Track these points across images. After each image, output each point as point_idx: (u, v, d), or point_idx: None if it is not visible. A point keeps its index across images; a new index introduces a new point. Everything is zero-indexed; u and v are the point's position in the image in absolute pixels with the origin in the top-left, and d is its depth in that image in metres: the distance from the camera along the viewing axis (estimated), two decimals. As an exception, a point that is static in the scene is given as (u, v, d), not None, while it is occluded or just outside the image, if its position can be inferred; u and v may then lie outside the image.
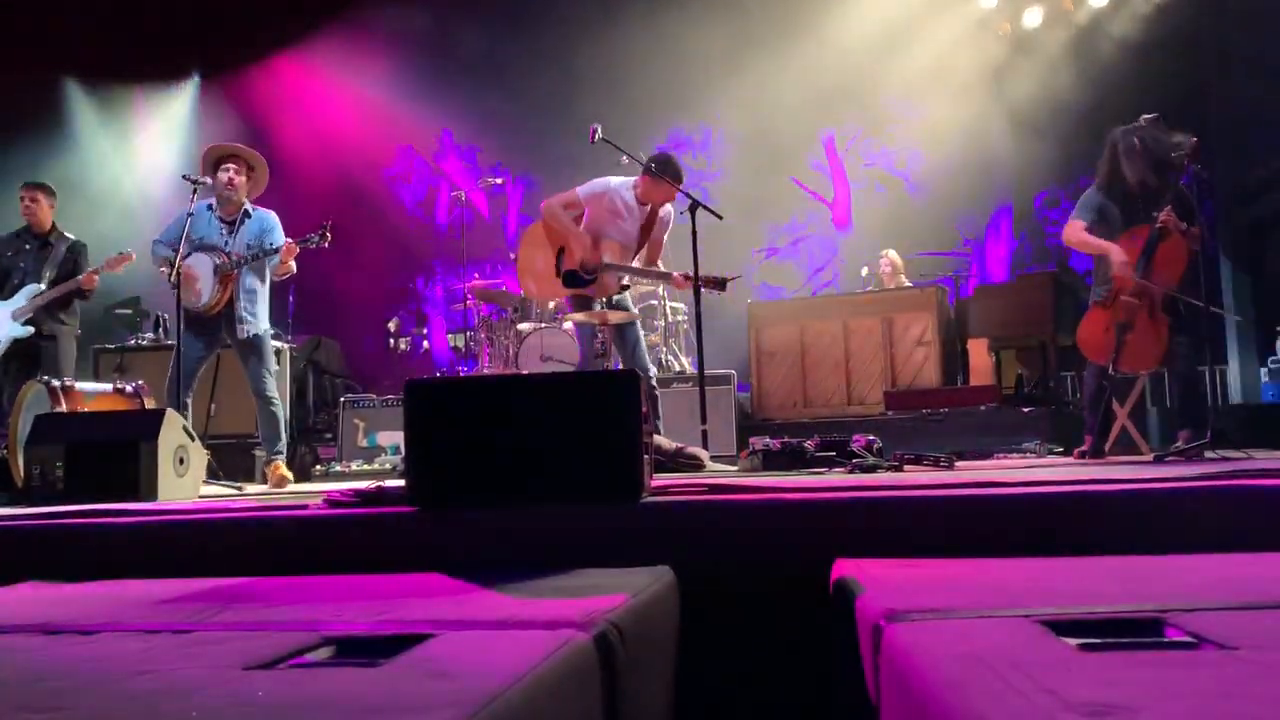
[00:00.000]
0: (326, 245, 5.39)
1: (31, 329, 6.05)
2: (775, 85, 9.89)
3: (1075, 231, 5.14)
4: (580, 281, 5.40)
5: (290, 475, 5.51)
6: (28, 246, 6.27)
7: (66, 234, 6.40)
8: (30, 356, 6.09)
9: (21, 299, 6.05)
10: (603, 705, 1.29)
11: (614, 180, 5.49)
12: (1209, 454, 4.33)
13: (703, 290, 5.11)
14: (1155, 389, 5.68)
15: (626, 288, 5.56)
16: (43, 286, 6.09)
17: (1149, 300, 4.75)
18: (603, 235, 5.39)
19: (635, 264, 5.47)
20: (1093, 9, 9.26)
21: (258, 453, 6.66)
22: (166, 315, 7.75)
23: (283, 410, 5.64)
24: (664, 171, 5.23)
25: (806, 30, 9.68)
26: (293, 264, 5.53)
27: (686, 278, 5.15)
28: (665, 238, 5.55)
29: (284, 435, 5.59)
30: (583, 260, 5.38)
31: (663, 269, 5.51)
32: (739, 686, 2.09)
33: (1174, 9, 8.88)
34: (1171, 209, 4.73)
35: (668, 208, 5.49)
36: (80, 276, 6.09)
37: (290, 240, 5.37)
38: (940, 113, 9.50)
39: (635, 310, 5.64)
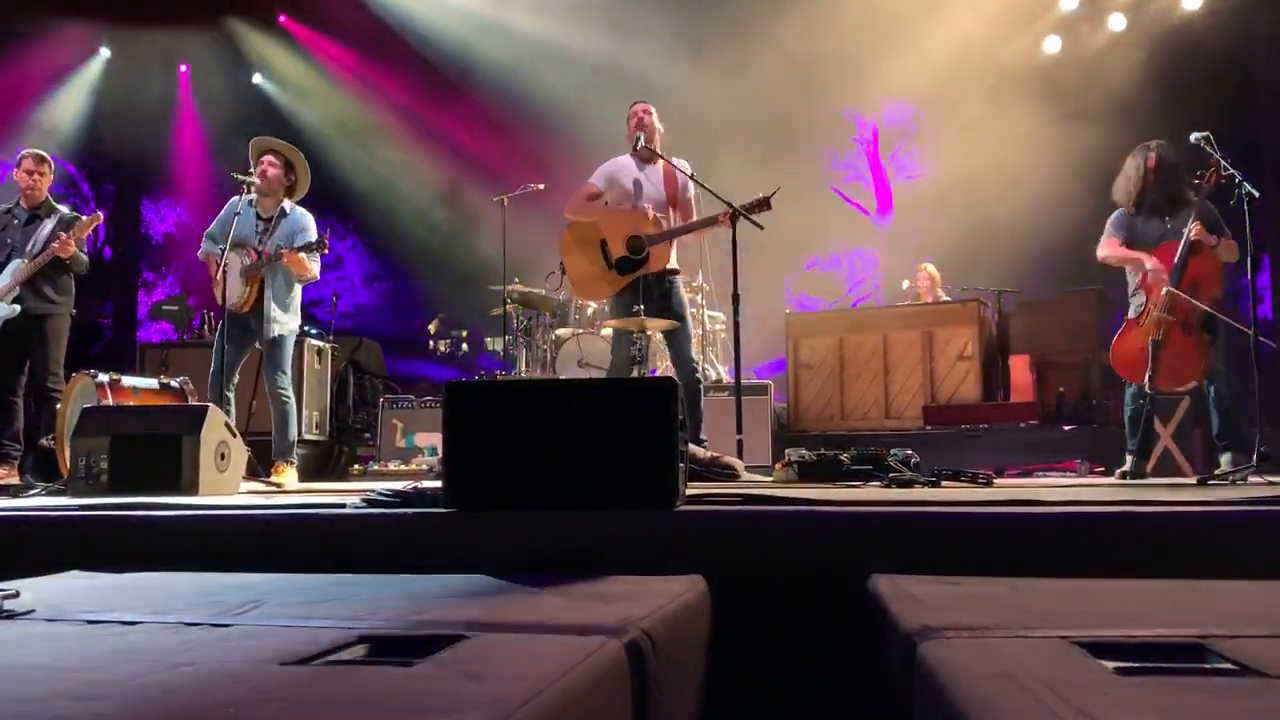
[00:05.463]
0: (325, 251, 5.39)
1: (19, 308, 5.75)
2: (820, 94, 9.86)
3: (1110, 247, 5.11)
4: (635, 264, 5.35)
5: (284, 481, 5.27)
6: (16, 220, 5.94)
7: (59, 206, 6.06)
8: (19, 338, 5.82)
9: (7, 276, 5.77)
10: (633, 712, 1.29)
11: (615, 158, 5.57)
12: (1254, 478, 4.25)
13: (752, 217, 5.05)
14: (1200, 410, 5.58)
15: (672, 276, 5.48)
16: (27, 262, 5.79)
17: (1182, 316, 4.68)
18: (637, 206, 5.37)
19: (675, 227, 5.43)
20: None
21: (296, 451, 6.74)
22: (212, 314, 7.89)
23: (294, 410, 5.62)
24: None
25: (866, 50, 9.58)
26: (314, 269, 5.48)
27: (728, 214, 5.11)
28: (691, 197, 5.46)
29: (291, 437, 5.56)
30: (630, 236, 5.33)
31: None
32: (770, 698, 2.08)
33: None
34: (1200, 223, 4.68)
35: (676, 162, 5.44)
36: (54, 245, 5.70)
37: (290, 249, 5.34)
38: (987, 124, 9.37)
39: (689, 311, 5.57)
